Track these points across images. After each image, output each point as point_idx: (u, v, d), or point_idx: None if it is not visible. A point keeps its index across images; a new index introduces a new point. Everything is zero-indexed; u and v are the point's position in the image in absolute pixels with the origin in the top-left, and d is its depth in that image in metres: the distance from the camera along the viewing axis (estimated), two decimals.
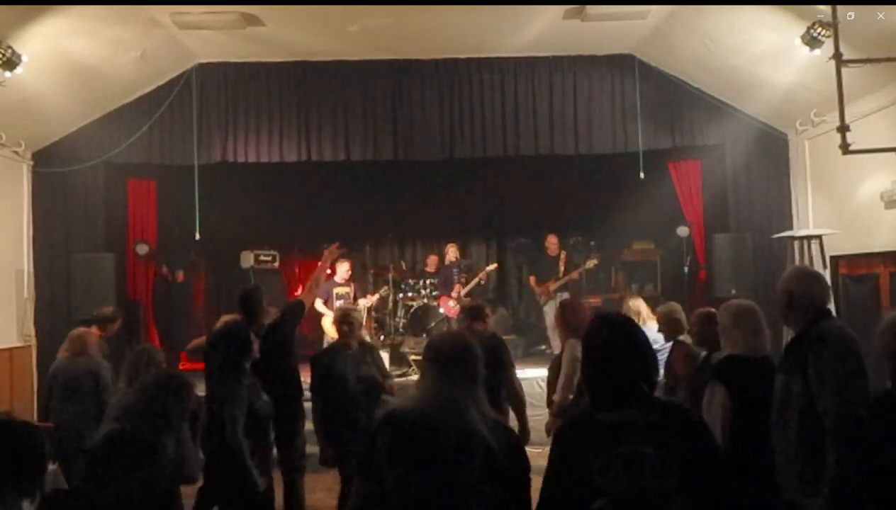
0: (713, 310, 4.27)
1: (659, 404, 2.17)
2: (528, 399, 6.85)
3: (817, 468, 2.76)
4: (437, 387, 2.26)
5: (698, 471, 2.04)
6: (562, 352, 5.05)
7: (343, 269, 9.07)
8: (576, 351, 4.81)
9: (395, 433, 2.19)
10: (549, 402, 4.99)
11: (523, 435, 4.74)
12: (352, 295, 9.06)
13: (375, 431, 2.25)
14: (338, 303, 8.91)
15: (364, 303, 9.02)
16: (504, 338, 6.68)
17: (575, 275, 9.23)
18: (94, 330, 5.61)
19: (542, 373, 7.55)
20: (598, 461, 2.00)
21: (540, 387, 7.45)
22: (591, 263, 9.24)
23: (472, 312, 5.23)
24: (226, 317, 5.27)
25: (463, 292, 9.48)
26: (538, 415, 7.38)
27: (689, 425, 2.16)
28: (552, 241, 9.57)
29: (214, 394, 4.24)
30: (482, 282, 9.70)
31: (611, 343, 2.18)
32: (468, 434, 2.13)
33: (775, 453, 2.96)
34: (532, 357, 9.50)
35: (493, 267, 9.86)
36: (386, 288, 9.60)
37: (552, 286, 9.28)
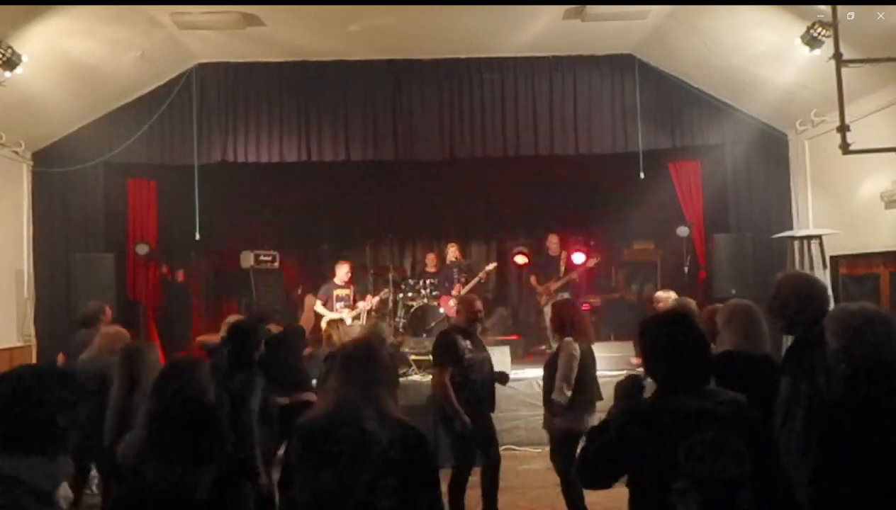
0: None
1: (724, 395, 2.34)
2: (527, 399, 6.88)
3: None
4: (338, 389, 2.43)
5: (764, 462, 2.22)
6: (557, 351, 5.07)
7: (343, 272, 9.07)
8: (573, 349, 4.90)
9: (302, 440, 2.36)
10: (548, 401, 4.99)
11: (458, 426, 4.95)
12: (351, 297, 9.06)
13: (289, 441, 2.44)
14: (337, 305, 8.91)
15: (363, 305, 9.02)
16: (504, 338, 6.71)
17: (575, 274, 9.23)
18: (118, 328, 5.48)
19: (542, 372, 7.55)
20: (683, 444, 2.17)
21: (539, 386, 7.44)
22: (591, 263, 9.24)
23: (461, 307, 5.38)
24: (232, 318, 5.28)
25: (463, 292, 9.48)
26: (537, 415, 7.37)
27: (755, 417, 2.33)
28: (553, 241, 9.57)
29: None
30: (482, 281, 9.70)
31: (684, 335, 2.36)
32: (362, 434, 2.29)
33: (781, 454, 2.94)
34: (532, 357, 9.49)
35: (492, 266, 9.85)
36: (386, 290, 9.59)
37: (553, 286, 9.28)
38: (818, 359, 2.81)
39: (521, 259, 10.49)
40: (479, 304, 5.32)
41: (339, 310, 8.87)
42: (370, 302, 9.15)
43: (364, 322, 8.90)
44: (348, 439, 2.27)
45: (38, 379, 1.94)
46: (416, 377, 8.08)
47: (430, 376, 5.80)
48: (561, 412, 4.83)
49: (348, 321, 8.68)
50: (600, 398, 5.10)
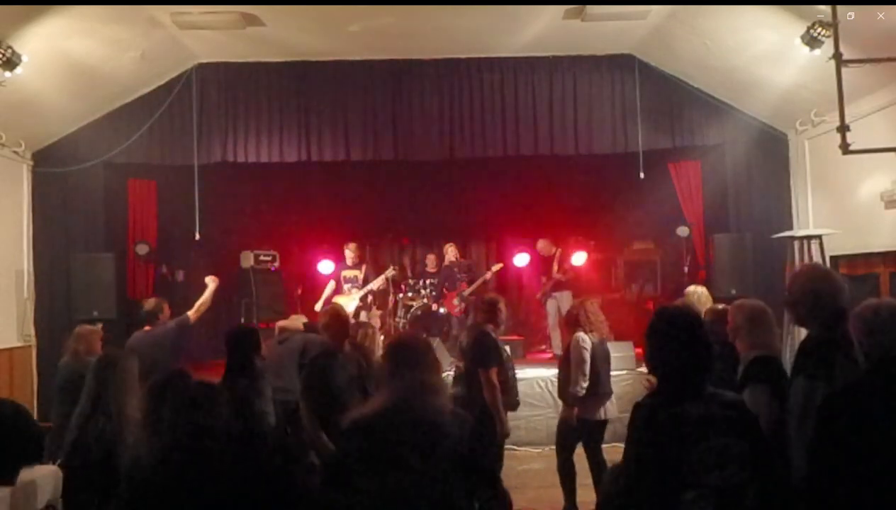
0: (723, 306, 4.26)
1: (727, 398, 2.28)
2: (527, 399, 6.89)
3: None
4: (393, 385, 2.31)
5: (766, 463, 2.19)
6: (567, 349, 5.18)
7: (350, 252, 9.00)
8: (582, 343, 5.10)
9: (362, 441, 2.21)
10: (565, 395, 5.16)
11: (499, 430, 4.88)
12: (360, 278, 8.95)
13: (343, 441, 2.28)
14: (346, 287, 8.87)
15: (374, 285, 8.94)
16: (504, 338, 6.71)
17: (560, 275, 9.20)
18: (97, 328, 5.51)
19: (542, 372, 7.57)
20: (692, 454, 2.10)
21: (540, 387, 7.48)
22: (579, 259, 9.22)
23: (485, 306, 5.33)
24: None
25: (466, 292, 9.46)
26: (537, 415, 7.45)
27: (754, 421, 2.28)
28: (544, 243, 9.56)
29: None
30: (487, 281, 9.68)
31: (684, 336, 2.27)
32: (429, 428, 2.18)
33: (793, 455, 2.81)
34: (532, 357, 9.48)
35: (498, 267, 9.82)
36: (392, 268, 9.42)
37: (547, 285, 9.30)
38: (840, 361, 2.75)
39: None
40: (501, 305, 5.33)
41: (348, 291, 8.84)
42: (378, 282, 9.03)
43: (371, 302, 8.87)
44: (417, 436, 2.14)
45: None
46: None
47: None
48: (575, 403, 5.02)
49: (356, 302, 8.64)
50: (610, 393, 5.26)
